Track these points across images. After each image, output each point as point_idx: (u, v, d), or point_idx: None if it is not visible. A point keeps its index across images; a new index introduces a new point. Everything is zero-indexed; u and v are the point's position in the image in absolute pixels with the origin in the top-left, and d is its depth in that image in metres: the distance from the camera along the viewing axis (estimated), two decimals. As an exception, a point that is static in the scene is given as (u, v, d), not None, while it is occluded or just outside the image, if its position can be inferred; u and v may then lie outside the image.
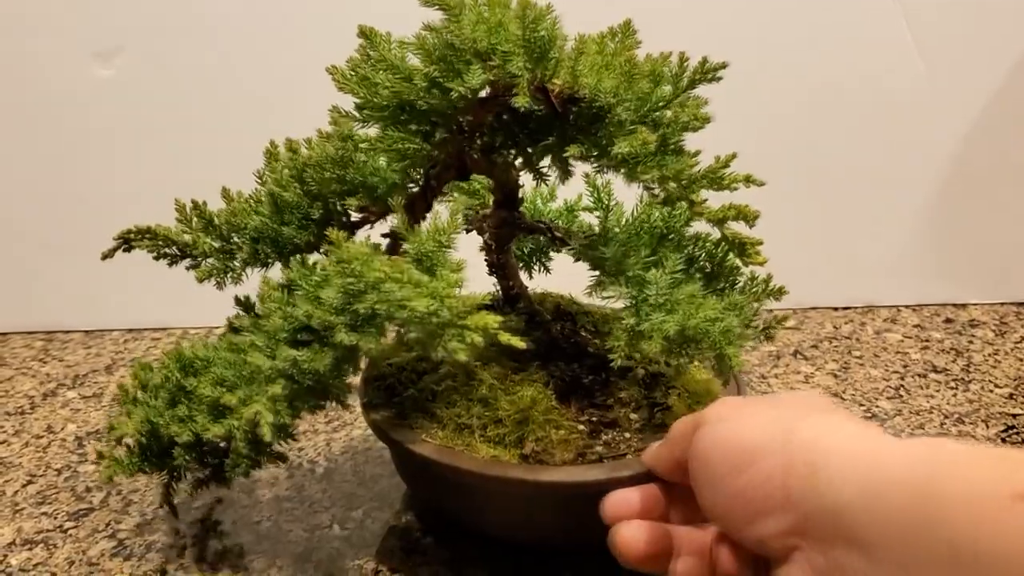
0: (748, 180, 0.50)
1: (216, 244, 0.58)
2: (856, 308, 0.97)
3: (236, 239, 0.57)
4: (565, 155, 0.50)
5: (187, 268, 0.58)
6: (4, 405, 0.80)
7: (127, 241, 0.61)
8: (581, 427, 0.55)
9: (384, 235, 0.54)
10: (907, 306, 0.97)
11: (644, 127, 0.47)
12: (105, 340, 0.94)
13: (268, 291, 0.51)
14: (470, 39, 0.47)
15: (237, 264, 0.57)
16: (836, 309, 0.97)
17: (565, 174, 0.52)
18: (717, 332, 0.48)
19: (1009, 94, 0.90)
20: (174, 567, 0.58)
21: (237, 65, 0.87)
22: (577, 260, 0.55)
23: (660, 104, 0.49)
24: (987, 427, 0.72)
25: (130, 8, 0.86)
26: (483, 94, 0.49)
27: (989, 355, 0.85)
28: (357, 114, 0.52)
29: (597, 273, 0.53)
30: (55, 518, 0.63)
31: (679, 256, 0.52)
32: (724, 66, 0.49)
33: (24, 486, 0.67)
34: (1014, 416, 0.74)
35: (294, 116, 0.88)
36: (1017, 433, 0.71)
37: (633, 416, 0.56)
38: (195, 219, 0.59)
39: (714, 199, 0.51)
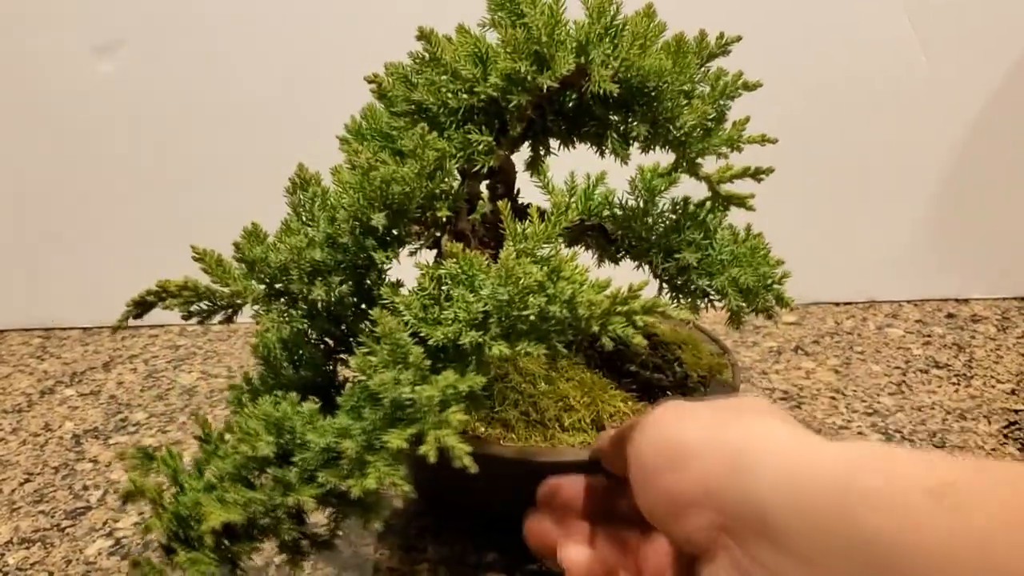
0: (764, 139, 0.54)
1: (261, 288, 0.50)
2: (858, 303, 0.96)
3: (292, 275, 0.49)
4: (632, 135, 0.51)
5: (220, 322, 0.51)
6: (1, 403, 0.80)
7: (148, 305, 0.52)
8: (638, 397, 0.56)
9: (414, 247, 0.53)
10: (909, 301, 0.96)
11: (696, 100, 0.50)
12: (103, 337, 0.93)
13: (388, 324, 0.44)
14: (546, 31, 0.47)
15: (300, 303, 0.51)
16: (838, 304, 0.96)
17: (625, 156, 0.53)
18: (777, 278, 0.55)
19: (1011, 90, 0.89)
20: (171, 566, 0.57)
21: (239, 59, 0.87)
22: (614, 239, 0.57)
23: (696, 78, 0.51)
24: (989, 423, 0.72)
25: (130, 2, 0.85)
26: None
27: (991, 350, 0.85)
28: (403, 120, 0.51)
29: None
30: (52, 516, 0.63)
31: (715, 218, 0.56)
32: (738, 39, 0.52)
33: (21, 484, 0.67)
34: (1016, 412, 0.74)
35: (296, 110, 0.88)
36: (1019, 428, 0.71)
37: (667, 385, 0.58)
38: (236, 266, 0.50)
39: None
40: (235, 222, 0.58)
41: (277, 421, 0.43)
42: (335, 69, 0.85)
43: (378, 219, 0.47)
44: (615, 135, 0.52)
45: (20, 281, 0.94)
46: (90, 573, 0.57)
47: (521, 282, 0.43)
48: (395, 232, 0.49)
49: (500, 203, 0.48)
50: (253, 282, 0.49)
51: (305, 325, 0.49)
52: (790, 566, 0.30)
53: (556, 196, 0.51)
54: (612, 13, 0.48)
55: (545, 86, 0.48)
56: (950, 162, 0.93)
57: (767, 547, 0.31)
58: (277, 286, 0.49)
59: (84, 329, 0.96)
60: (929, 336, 0.88)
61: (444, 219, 0.50)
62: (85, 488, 0.66)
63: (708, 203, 0.57)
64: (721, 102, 0.51)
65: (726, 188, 0.55)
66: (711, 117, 0.50)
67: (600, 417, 0.54)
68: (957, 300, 0.96)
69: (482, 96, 0.49)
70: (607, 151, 0.53)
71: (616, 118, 0.52)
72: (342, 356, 0.51)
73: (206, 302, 0.50)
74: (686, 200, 0.57)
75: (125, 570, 0.57)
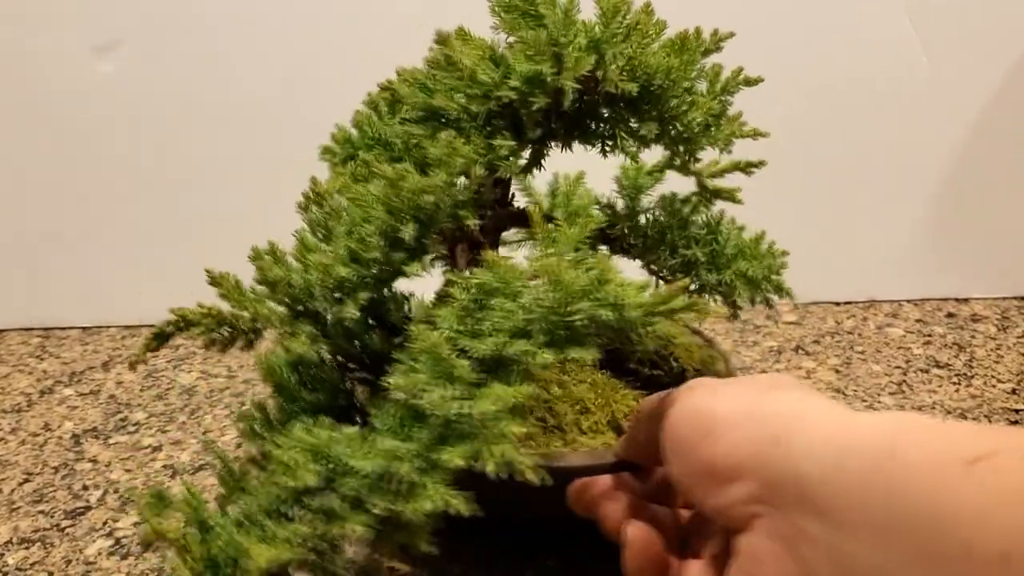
0: (756, 133, 0.54)
1: (283, 311, 0.48)
2: (858, 303, 0.96)
3: (316, 295, 0.47)
4: (641, 134, 0.51)
5: (241, 348, 0.49)
6: (1, 402, 0.80)
7: (167, 336, 0.49)
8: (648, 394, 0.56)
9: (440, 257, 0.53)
10: (909, 301, 0.96)
11: (699, 96, 0.50)
12: (103, 337, 0.93)
13: (430, 339, 0.43)
14: (565, 31, 0.47)
15: (330, 323, 0.49)
16: (838, 304, 0.96)
17: (636, 155, 0.53)
18: (776, 268, 0.55)
19: (1012, 90, 0.89)
20: (172, 566, 0.57)
21: (238, 59, 0.87)
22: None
23: (694, 75, 0.51)
24: (989, 422, 0.72)
25: (129, 2, 0.85)
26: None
27: (991, 350, 0.85)
28: (420, 126, 0.50)
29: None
30: (52, 516, 0.63)
31: (708, 212, 0.57)
32: (732, 35, 0.52)
33: (21, 484, 0.67)
34: (1016, 411, 0.74)
35: (296, 109, 0.88)
36: (1020, 428, 0.71)
37: (667, 381, 0.58)
38: (258, 289, 0.48)
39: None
40: (234, 222, 0.58)
41: (318, 448, 0.42)
42: (335, 69, 0.85)
43: (409, 231, 0.46)
44: (624, 134, 0.52)
45: (19, 281, 0.94)
46: (90, 573, 0.57)
47: (569, 287, 0.42)
48: (424, 243, 0.48)
49: (530, 208, 0.48)
50: (273, 304, 0.47)
51: (327, 346, 0.47)
52: (830, 533, 0.31)
53: (581, 199, 0.50)
54: (624, 11, 0.48)
55: (567, 87, 0.47)
56: (950, 162, 0.92)
57: (807, 515, 0.32)
58: (299, 307, 0.47)
59: (83, 329, 0.95)
60: (929, 336, 0.88)
61: (470, 227, 0.50)
62: (85, 488, 0.66)
63: (694, 198, 0.58)
64: (723, 98, 0.52)
65: (713, 182, 0.56)
66: (715, 113, 0.51)
67: (615, 418, 0.53)
68: (957, 300, 0.96)
69: (503, 100, 0.48)
70: (615, 151, 0.53)
71: (626, 117, 0.52)
72: (356, 375, 0.50)
73: (227, 328, 0.48)
74: (674, 196, 0.57)
75: (125, 570, 0.57)
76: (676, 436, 0.38)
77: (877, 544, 0.29)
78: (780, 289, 0.57)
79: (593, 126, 0.53)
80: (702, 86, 0.52)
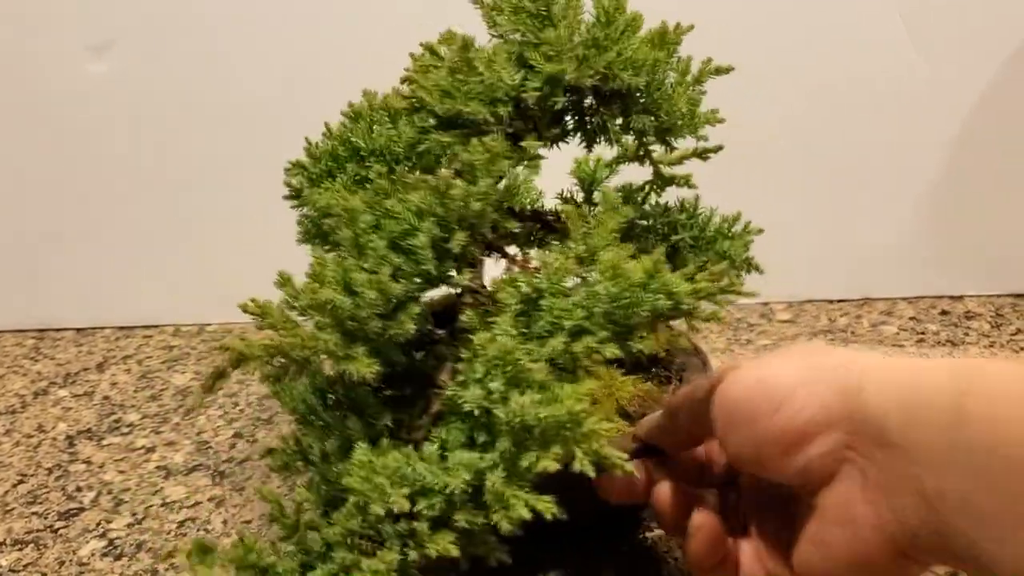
0: (715, 119, 0.54)
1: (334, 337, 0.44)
2: (852, 301, 0.96)
3: (364, 315, 0.44)
4: (635, 126, 0.51)
5: (293, 378, 0.47)
6: (-5, 404, 0.80)
7: (225, 374, 0.47)
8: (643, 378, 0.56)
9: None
10: (903, 298, 0.96)
11: (679, 87, 0.51)
12: (97, 338, 0.93)
13: (503, 347, 0.43)
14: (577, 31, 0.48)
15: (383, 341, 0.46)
16: (832, 302, 0.96)
17: (632, 148, 0.55)
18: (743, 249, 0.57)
19: (1005, 87, 0.89)
20: (165, 567, 0.57)
21: (234, 59, 0.87)
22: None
23: (667, 67, 0.52)
24: (983, 420, 0.72)
25: (123, 1, 0.85)
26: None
27: (985, 347, 0.85)
28: (447, 133, 0.50)
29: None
30: (45, 518, 0.63)
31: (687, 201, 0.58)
32: (691, 28, 0.52)
33: (15, 486, 0.67)
34: (1010, 409, 0.74)
35: (292, 109, 0.87)
36: (1013, 426, 0.71)
37: (647, 363, 0.57)
38: (319, 318, 0.45)
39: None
40: (229, 223, 0.59)
41: (397, 471, 0.41)
42: (332, 68, 0.85)
43: (459, 239, 0.45)
44: (617, 128, 0.52)
45: (13, 282, 0.94)
46: (83, 574, 0.57)
47: (630, 280, 0.43)
48: (471, 250, 0.47)
49: (566, 207, 0.48)
50: (322, 331, 0.44)
51: (377, 366, 0.44)
52: (916, 469, 0.32)
53: (608, 195, 0.51)
54: (622, 9, 0.49)
55: (586, 85, 0.48)
56: (944, 160, 0.92)
57: (891, 455, 0.33)
58: (351, 329, 0.44)
59: (78, 330, 0.95)
60: (923, 333, 0.88)
61: (508, 230, 0.49)
62: (78, 489, 0.66)
63: (647, 186, 0.59)
64: (697, 87, 0.53)
65: (669, 170, 0.57)
66: (695, 102, 0.52)
67: (620, 405, 0.53)
68: (951, 297, 0.96)
69: (525, 101, 0.49)
70: (612, 145, 0.54)
71: (616, 112, 0.52)
72: (386, 393, 0.49)
73: (280, 359, 0.45)
74: (631, 186, 0.59)
75: (118, 571, 0.57)
76: (736, 410, 0.39)
77: (962, 475, 0.31)
78: (750, 266, 0.58)
79: (588, 122, 0.53)
80: (671, 77, 0.53)
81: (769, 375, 0.38)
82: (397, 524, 0.41)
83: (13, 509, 0.64)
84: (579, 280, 0.46)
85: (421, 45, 0.53)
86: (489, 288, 0.49)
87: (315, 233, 0.55)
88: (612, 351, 0.43)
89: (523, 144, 0.48)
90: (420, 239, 0.44)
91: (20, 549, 0.59)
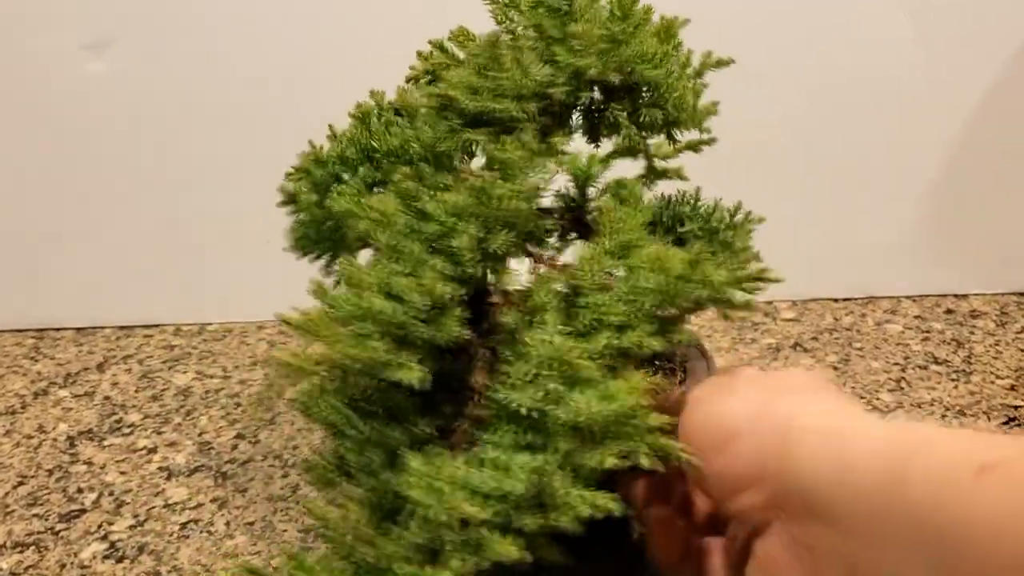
0: (714, 110, 0.53)
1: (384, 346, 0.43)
2: (856, 299, 0.96)
3: (407, 322, 0.43)
4: (644, 120, 0.51)
5: None
6: (-5, 404, 0.80)
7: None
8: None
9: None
10: (908, 297, 0.96)
11: (684, 80, 0.51)
12: (97, 337, 0.93)
13: (561, 347, 0.42)
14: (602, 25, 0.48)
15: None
16: (836, 300, 0.96)
17: (643, 143, 0.54)
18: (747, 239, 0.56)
19: (1009, 83, 0.89)
20: (167, 569, 0.57)
21: (234, 57, 0.86)
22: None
23: (673, 61, 0.52)
24: (988, 419, 0.72)
25: (120, -1, 0.84)
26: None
27: (990, 346, 0.84)
28: (478, 131, 0.49)
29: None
30: (46, 520, 0.62)
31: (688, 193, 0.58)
32: (687, 22, 0.52)
33: (15, 487, 0.67)
34: (1015, 408, 0.73)
35: (293, 108, 0.87)
36: (1019, 424, 0.71)
37: (636, 352, 0.58)
38: (363, 327, 0.43)
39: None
40: (229, 222, 0.58)
41: (461, 479, 0.40)
42: (333, 67, 0.85)
43: (501, 240, 0.45)
44: (627, 123, 0.52)
45: (13, 282, 0.94)
46: (85, 577, 0.56)
47: (672, 272, 0.43)
48: (514, 250, 0.47)
49: (604, 201, 0.48)
50: (369, 340, 0.42)
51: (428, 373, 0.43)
52: (841, 542, 0.31)
53: (634, 189, 0.51)
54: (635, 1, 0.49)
55: (611, 80, 0.48)
56: (948, 156, 0.92)
57: (817, 524, 0.32)
58: (398, 336, 0.42)
59: (78, 329, 0.95)
60: (928, 332, 0.88)
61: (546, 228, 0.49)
62: (79, 491, 0.66)
63: (639, 180, 0.58)
64: (699, 80, 0.52)
65: (662, 164, 0.57)
66: (699, 94, 0.52)
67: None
68: (956, 296, 0.96)
69: (554, 97, 0.48)
70: (625, 140, 0.53)
71: (626, 106, 0.52)
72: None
73: (335, 371, 0.44)
74: (622, 181, 0.58)
75: (120, 574, 0.56)
76: (691, 442, 0.39)
77: (889, 553, 0.30)
78: (753, 256, 0.58)
79: (595, 117, 0.53)
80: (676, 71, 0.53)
81: (717, 412, 0.38)
82: (462, 532, 0.41)
83: (13, 511, 0.63)
84: (611, 275, 0.46)
85: (430, 43, 0.53)
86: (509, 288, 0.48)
87: (316, 239, 0.54)
88: (657, 344, 0.43)
89: (552, 140, 0.48)
90: (462, 240, 0.43)
91: (21, 552, 0.59)
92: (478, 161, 0.50)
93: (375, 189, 0.50)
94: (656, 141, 0.55)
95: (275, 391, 0.44)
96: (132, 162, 0.89)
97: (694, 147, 0.55)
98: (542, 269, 0.49)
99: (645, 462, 0.39)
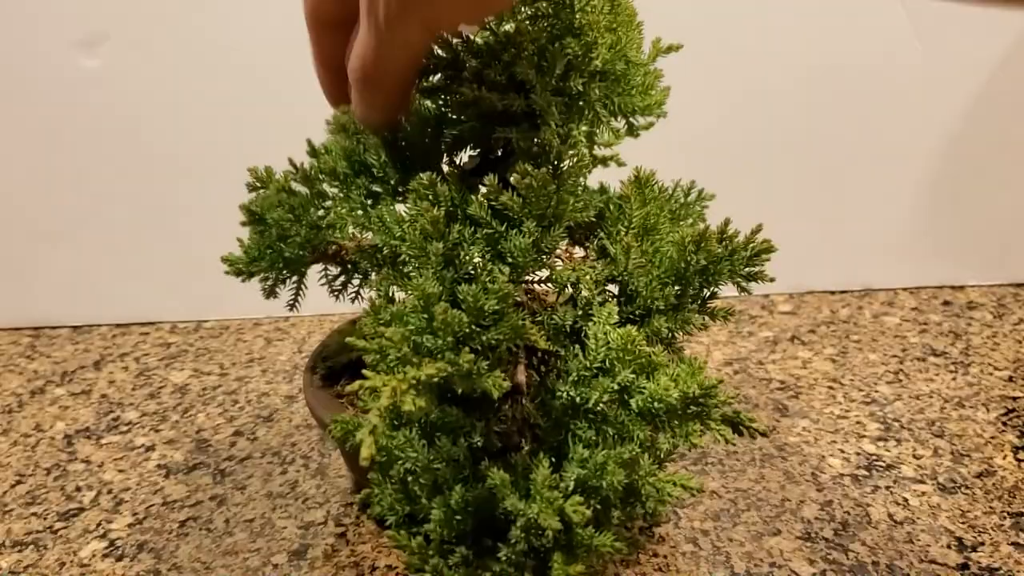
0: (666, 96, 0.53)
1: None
2: (853, 292, 0.96)
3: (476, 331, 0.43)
4: (614, 109, 0.51)
5: None
6: (-9, 403, 0.79)
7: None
8: None
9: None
10: (905, 289, 0.96)
11: (647, 67, 0.51)
12: (94, 335, 0.93)
13: (624, 336, 0.42)
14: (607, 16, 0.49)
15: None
16: (833, 293, 0.96)
17: (617, 132, 0.54)
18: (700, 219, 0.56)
19: (1006, 74, 0.89)
20: (167, 567, 0.57)
21: (229, 52, 0.86)
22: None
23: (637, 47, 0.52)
24: (987, 411, 0.72)
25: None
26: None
27: (988, 337, 0.85)
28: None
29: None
30: (45, 519, 0.62)
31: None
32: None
33: (13, 486, 0.66)
34: (1014, 399, 0.73)
35: (289, 103, 0.87)
36: (1017, 416, 0.71)
37: None
38: (438, 340, 0.41)
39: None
40: (225, 219, 0.58)
41: (564, 483, 0.41)
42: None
43: (557, 235, 0.45)
44: (602, 110, 0.52)
45: (8, 280, 0.93)
46: (84, 575, 0.56)
47: (711, 248, 0.44)
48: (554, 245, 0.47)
49: (628, 183, 0.49)
50: (450, 352, 0.40)
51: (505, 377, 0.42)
52: None
53: (644, 174, 0.51)
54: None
55: (619, 69, 0.49)
56: (944, 148, 0.92)
57: None
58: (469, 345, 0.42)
59: (74, 327, 0.94)
60: (926, 324, 0.88)
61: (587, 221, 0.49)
62: (78, 489, 0.66)
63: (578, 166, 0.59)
64: (652, 67, 0.53)
65: (601, 152, 0.57)
66: (660, 80, 0.52)
67: None
68: (953, 287, 0.96)
69: (570, 89, 0.48)
70: (597, 128, 0.53)
71: (600, 94, 0.52)
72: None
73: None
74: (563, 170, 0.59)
75: (120, 572, 0.56)
76: None
77: None
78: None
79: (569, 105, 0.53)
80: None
81: None
82: (563, 535, 0.41)
83: (12, 510, 0.63)
84: (649, 261, 0.47)
85: None
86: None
87: (274, 259, 0.54)
88: (701, 321, 0.45)
89: (572, 131, 0.48)
90: (522, 241, 0.43)
91: (20, 551, 0.59)
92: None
93: (387, 200, 0.49)
94: (600, 129, 0.54)
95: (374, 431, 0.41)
96: (126, 159, 0.89)
97: (634, 134, 0.55)
98: (558, 264, 0.49)
99: (722, 436, 0.42)
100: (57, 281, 0.93)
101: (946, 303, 0.92)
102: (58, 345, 0.91)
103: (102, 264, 0.93)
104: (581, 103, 0.51)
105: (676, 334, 0.47)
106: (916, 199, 0.94)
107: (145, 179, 0.90)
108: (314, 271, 0.59)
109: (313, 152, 0.52)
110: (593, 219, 0.50)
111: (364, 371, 0.37)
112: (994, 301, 0.92)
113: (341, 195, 0.50)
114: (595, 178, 0.54)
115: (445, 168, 0.49)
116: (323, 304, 0.62)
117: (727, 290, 0.50)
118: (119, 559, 0.58)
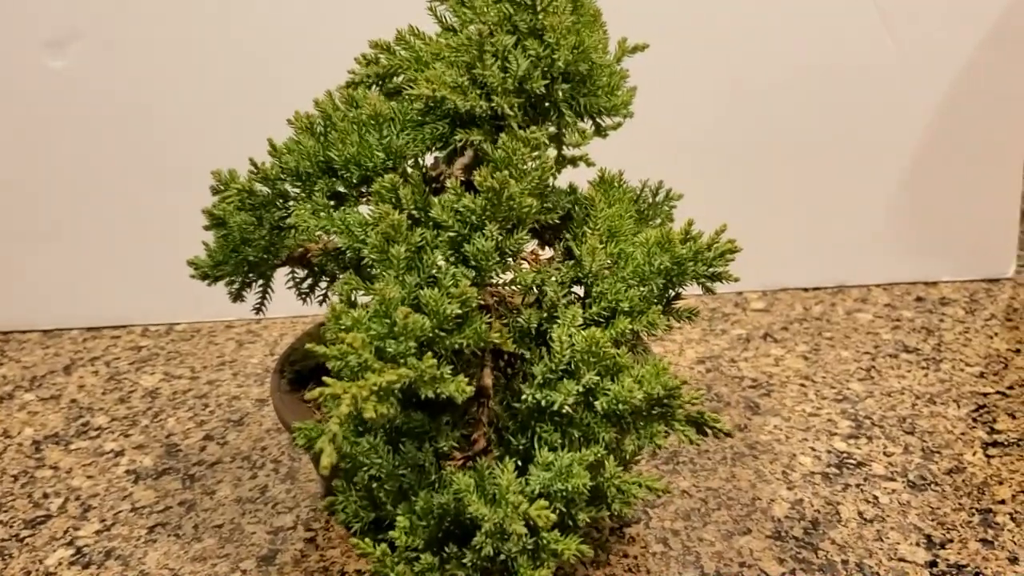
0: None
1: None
2: (826, 288, 0.96)
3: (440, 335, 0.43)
4: (582, 111, 0.51)
5: None
6: (-41, 410, 0.78)
7: None
8: None
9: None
10: (878, 285, 0.96)
11: (613, 68, 0.51)
12: (64, 339, 0.92)
13: (589, 339, 0.43)
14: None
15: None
16: (806, 290, 0.96)
17: (586, 133, 0.54)
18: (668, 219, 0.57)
19: (977, 71, 0.89)
20: (134, 573, 0.56)
21: (200, 53, 0.85)
22: None
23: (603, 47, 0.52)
24: (958, 407, 0.72)
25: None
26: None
27: (960, 333, 0.85)
28: (472, 130, 0.49)
29: None
30: (11, 527, 0.62)
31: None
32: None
33: (-21, 494, 0.66)
34: (984, 395, 0.74)
35: (260, 104, 0.86)
36: (988, 412, 0.71)
37: None
38: (401, 346, 0.40)
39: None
40: (198, 220, 0.57)
41: (519, 488, 0.41)
42: (306, 65, 0.84)
43: (519, 238, 0.45)
44: (568, 112, 0.51)
45: (-23, 284, 0.92)
46: (49, 584, 0.56)
47: (676, 249, 0.45)
48: (521, 246, 0.47)
49: (593, 187, 0.49)
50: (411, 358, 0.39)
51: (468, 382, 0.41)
52: None
53: (611, 176, 0.51)
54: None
55: (583, 70, 0.49)
56: (916, 145, 0.92)
57: None
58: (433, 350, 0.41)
59: (44, 331, 0.93)
60: (898, 320, 0.88)
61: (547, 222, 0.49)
62: (45, 496, 0.65)
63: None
64: (618, 67, 0.52)
65: (571, 152, 0.56)
66: (626, 80, 0.52)
67: None
68: (926, 283, 0.96)
69: (532, 91, 0.48)
70: (565, 131, 0.53)
71: (565, 95, 0.51)
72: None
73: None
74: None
75: (86, 580, 0.56)
76: None
77: None
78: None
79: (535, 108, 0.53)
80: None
81: None
82: (528, 539, 0.41)
83: (-22, 518, 0.63)
84: (612, 262, 0.47)
85: (374, 45, 0.52)
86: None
87: (237, 262, 0.54)
88: (666, 322, 0.45)
89: (532, 134, 0.47)
90: (484, 244, 0.43)
91: (-15, 559, 0.58)
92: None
93: (352, 201, 0.49)
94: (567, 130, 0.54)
95: (334, 439, 0.40)
96: (96, 161, 0.88)
97: (602, 133, 0.54)
98: (524, 265, 0.49)
99: (685, 436, 0.43)
100: (27, 285, 0.92)
101: (919, 299, 0.93)
102: (28, 350, 0.90)
103: (73, 267, 0.92)
104: (547, 104, 0.50)
105: (641, 335, 0.47)
106: (889, 196, 0.94)
107: (116, 182, 0.89)
108: (282, 273, 0.58)
109: (275, 151, 0.51)
110: (559, 221, 0.50)
111: (324, 378, 0.37)
112: (966, 296, 0.93)
113: (304, 195, 0.49)
114: (565, 178, 0.54)
115: (409, 170, 0.49)
116: (295, 305, 0.62)
117: (697, 289, 0.50)
118: (86, 567, 0.57)
